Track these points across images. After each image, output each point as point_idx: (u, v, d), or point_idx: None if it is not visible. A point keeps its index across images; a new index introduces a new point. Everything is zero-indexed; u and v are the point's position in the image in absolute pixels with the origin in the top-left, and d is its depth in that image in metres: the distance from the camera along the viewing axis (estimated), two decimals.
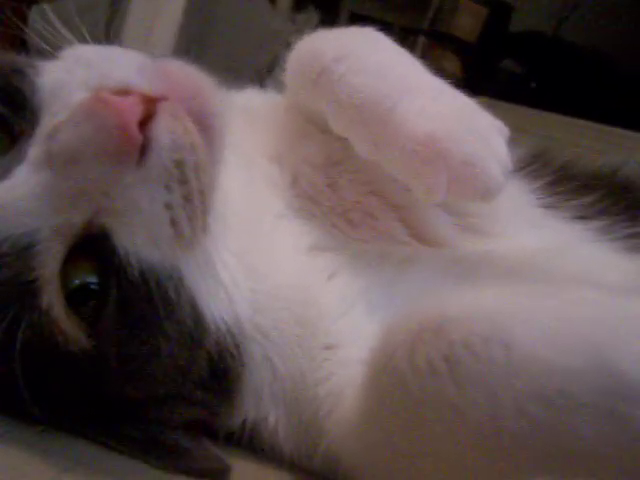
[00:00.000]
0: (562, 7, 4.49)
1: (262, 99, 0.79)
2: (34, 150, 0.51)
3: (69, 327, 0.50)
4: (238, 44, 2.90)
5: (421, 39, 4.30)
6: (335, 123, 0.66)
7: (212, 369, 0.58)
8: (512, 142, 0.64)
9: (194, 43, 2.79)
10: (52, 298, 0.50)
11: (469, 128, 0.61)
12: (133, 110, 0.49)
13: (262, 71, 2.95)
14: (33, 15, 2.60)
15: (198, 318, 0.55)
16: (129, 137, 0.48)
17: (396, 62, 0.67)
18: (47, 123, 0.52)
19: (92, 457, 0.54)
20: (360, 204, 0.70)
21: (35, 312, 0.49)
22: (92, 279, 0.52)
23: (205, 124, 0.54)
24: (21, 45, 2.39)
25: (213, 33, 2.88)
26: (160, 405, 0.57)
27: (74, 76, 0.54)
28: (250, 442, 0.63)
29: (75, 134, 0.49)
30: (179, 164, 0.51)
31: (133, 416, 0.56)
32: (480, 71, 4.04)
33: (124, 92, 0.50)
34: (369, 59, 0.66)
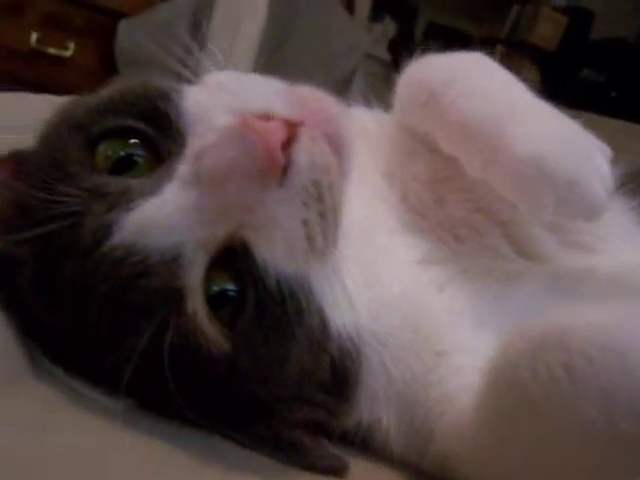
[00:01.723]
0: None
1: (372, 117, 0.84)
2: (182, 169, 0.55)
3: (211, 331, 0.55)
4: (317, 54, 2.96)
5: (499, 48, 4.30)
6: (445, 144, 0.70)
7: (333, 373, 0.62)
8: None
9: (275, 53, 2.86)
10: (197, 305, 0.54)
11: (574, 149, 0.65)
12: (277, 134, 0.53)
13: (343, 81, 3.01)
14: (121, 29, 2.70)
15: (324, 325, 0.60)
16: (274, 160, 0.52)
17: (503, 85, 0.71)
18: (194, 144, 0.56)
19: (227, 453, 0.58)
20: (467, 220, 0.74)
21: (181, 317, 0.53)
22: (230, 286, 0.57)
23: (337, 145, 0.58)
24: (110, 56, 2.46)
25: (292, 44, 2.94)
26: (285, 405, 0.61)
27: (218, 101, 0.58)
28: (363, 442, 0.67)
29: (223, 156, 0.53)
30: (316, 184, 0.56)
31: (261, 415, 0.60)
32: (560, 80, 4.01)
33: (267, 117, 0.55)
34: (477, 83, 0.70)
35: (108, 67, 2.82)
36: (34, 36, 2.76)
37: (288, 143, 0.54)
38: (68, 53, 2.83)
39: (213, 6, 2.85)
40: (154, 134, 0.59)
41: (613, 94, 4.06)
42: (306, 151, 0.55)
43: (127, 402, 0.56)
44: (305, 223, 0.56)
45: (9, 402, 0.52)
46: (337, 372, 0.62)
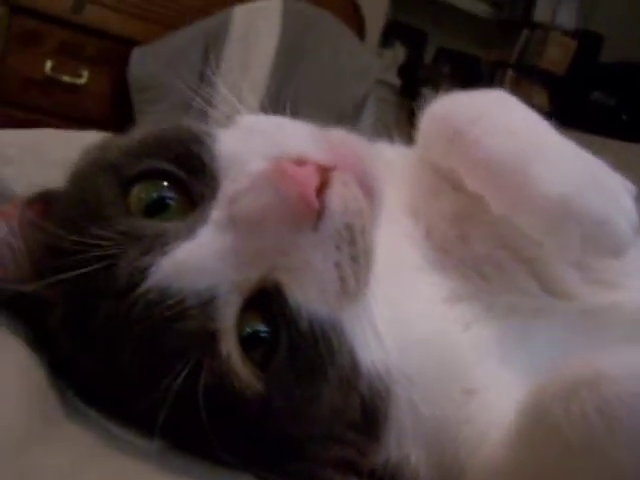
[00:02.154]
0: None
1: (394, 152, 0.84)
2: (216, 213, 0.56)
3: (244, 373, 0.55)
4: (328, 80, 2.98)
5: (509, 73, 4.32)
6: (470, 181, 0.71)
7: (363, 411, 0.62)
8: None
9: (286, 79, 2.88)
10: (230, 347, 0.55)
11: (599, 187, 0.66)
12: (311, 180, 0.54)
13: (354, 106, 3.02)
14: (134, 56, 2.74)
15: (355, 365, 0.60)
16: (309, 205, 0.53)
17: (527, 123, 0.72)
18: (227, 188, 0.57)
19: None
20: (491, 257, 0.74)
21: (215, 359, 0.54)
22: (262, 328, 0.57)
23: (367, 188, 0.58)
24: (123, 84, 2.50)
25: (304, 69, 2.96)
26: (316, 444, 0.61)
27: (250, 145, 0.59)
28: (391, 479, 0.67)
29: (258, 200, 0.54)
30: (349, 227, 0.56)
31: (293, 454, 0.60)
32: (570, 104, 4.02)
33: (300, 162, 0.55)
34: (501, 121, 0.71)
35: (121, 94, 2.86)
36: (49, 64, 2.80)
37: (321, 188, 0.55)
38: (82, 81, 2.87)
39: (226, 34, 2.88)
40: (187, 177, 0.59)
41: (624, 117, 4.07)
42: (339, 196, 0.55)
43: (160, 443, 0.56)
44: (338, 266, 0.57)
45: (43, 446, 0.52)
46: (367, 411, 0.62)
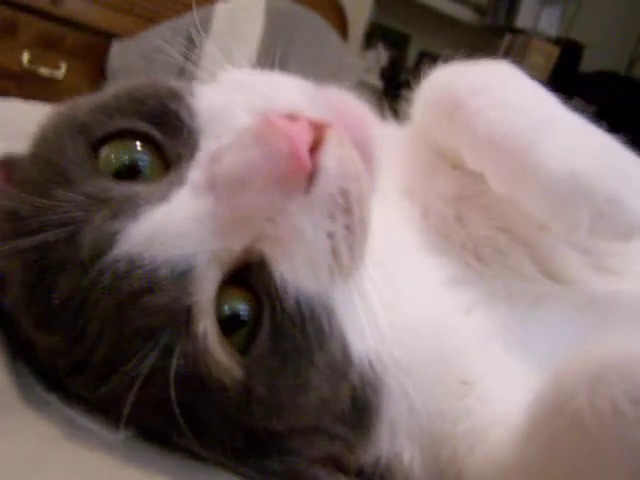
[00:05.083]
0: (635, 46, 4.46)
1: (389, 130, 0.79)
2: (195, 174, 0.50)
3: (222, 356, 0.49)
4: (311, 77, 2.93)
5: None
6: (471, 158, 0.66)
7: (353, 403, 0.56)
8: None
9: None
10: (207, 326, 0.48)
11: (611, 165, 0.61)
12: (303, 136, 0.48)
13: None
14: (114, 50, 2.68)
15: (346, 351, 0.54)
16: (300, 164, 0.47)
17: (533, 97, 0.67)
18: (208, 147, 0.51)
19: None
20: (490, 239, 0.69)
21: (190, 339, 0.48)
22: (243, 306, 0.51)
23: (365, 152, 0.53)
24: (102, 77, 2.44)
25: (286, 67, 2.92)
26: (301, 438, 0.55)
27: (236, 100, 0.53)
28: (381, 479, 0.61)
29: (243, 158, 0.48)
30: (344, 193, 0.50)
31: (275, 448, 0.54)
32: None
33: (292, 117, 0.50)
34: (506, 93, 0.66)
35: (99, 88, 2.79)
36: (26, 56, 2.72)
37: (315, 147, 0.49)
38: (60, 73, 2.80)
39: (208, 30, 2.82)
40: (162, 136, 0.53)
41: (604, 125, 4.07)
42: (335, 156, 0.50)
43: (127, 432, 0.50)
44: (330, 236, 0.51)
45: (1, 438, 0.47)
46: (357, 403, 0.57)
